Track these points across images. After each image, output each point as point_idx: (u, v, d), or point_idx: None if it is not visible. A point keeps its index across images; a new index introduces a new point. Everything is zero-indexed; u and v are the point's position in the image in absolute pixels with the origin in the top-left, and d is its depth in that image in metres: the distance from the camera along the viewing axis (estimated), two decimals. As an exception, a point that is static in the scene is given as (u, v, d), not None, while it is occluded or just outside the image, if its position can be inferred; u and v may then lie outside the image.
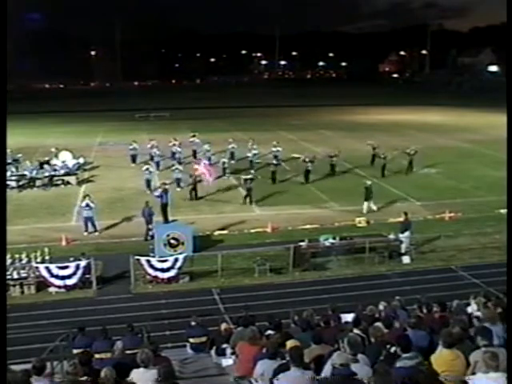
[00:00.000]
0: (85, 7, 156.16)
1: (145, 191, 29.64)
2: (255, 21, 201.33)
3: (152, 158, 36.82)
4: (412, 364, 7.05)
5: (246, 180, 29.08)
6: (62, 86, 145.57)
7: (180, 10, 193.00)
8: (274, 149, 37.66)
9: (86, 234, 23.91)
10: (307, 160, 33.18)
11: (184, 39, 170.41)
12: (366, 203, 26.84)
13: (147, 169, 31.77)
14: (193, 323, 12.53)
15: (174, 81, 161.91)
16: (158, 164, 36.19)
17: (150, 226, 23.13)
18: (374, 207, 27.05)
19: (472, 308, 11.60)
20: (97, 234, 23.97)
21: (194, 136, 41.34)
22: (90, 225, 24.08)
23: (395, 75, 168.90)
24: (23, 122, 63.95)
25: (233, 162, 37.29)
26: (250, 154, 36.51)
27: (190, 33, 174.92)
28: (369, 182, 27.36)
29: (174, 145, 38.49)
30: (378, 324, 9.17)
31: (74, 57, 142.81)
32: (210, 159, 35.04)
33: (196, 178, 29.32)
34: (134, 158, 38.17)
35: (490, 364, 6.35)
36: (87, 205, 23.95)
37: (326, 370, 6.94)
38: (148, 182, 31.06)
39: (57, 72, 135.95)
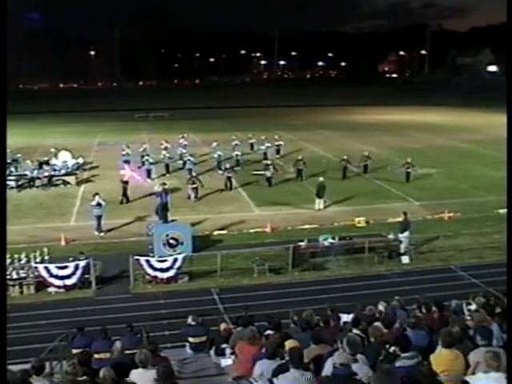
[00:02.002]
0: (84, 7, 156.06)
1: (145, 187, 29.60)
2: (254, 21, 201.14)
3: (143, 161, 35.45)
4: (411, 364, 7.05)
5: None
6: (61, 85, 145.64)
7: (179, 9, 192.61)
8: (276, 142, 41.19)
9: (102, 234, 23.81)
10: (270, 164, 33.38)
11: (183, 39, 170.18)
12: (317, 200, 27.42)
13: (147, 160, 33.79)
14: (192, 322, 12.51)
15: (176, 81, 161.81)
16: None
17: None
18: (322, 206, 27.39)
19: (471, 308, 11.59)
20: (102, 234, 23.86)
21: (183, 137, 41.37)
22: (98, 223, 23.96)
23: (394, 75, 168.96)
24: (22, 122, 63.89)
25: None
26: (263, 147, 39.62)
27: (190, 33, 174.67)
28: (321, 179, 27.76)
29: (166, 148, 37.80)
30: (378, 324, 9.17)
31: (73, 57, 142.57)
32: (218, 159, 36.27)
33: (125, 183, 28.87)
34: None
35: (491, 364, 6.35)
36: (98, 203, 23.85)
37: (326, 370, 6.94)
38: (148, 172, 33.30)
39: (56, 72, 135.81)
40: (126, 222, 25.41)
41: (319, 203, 27.52)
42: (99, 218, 23.98)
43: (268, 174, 32.05)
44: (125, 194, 28.67)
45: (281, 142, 41.59)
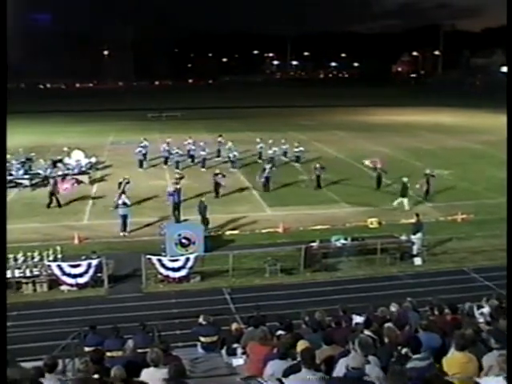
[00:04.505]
0: (98, 7, 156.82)
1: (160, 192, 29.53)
2: (267, 21, 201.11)
3: (167, 158, 37.89)
4: (423, 365, 7.01)
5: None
6: (77, 85, 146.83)
7: (192, 10, 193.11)
8: (295, 149, 38.66)
9: (122, 234, 23.77)
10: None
11: (196, 39, 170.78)
12: (400, 199, 27.34)
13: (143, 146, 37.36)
14: (204, 322, 12.55)
15: (190, 80, 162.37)
16: (175, 163, 37.08)
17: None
18: (407, 206, 27.20)
19: (484, 311, 11.52)
20: (122, 234, 23.84)
21: (220, 136, 41.47)
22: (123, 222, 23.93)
23: (408, 76, 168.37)
24: (36, 121, 64.57)
25: (260, 161, 38.34)
26: (270, 152, 37.73)
27: (203, 33, 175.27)
28: (405, 179, 27.63)
29: (189, 143, 38.90)
30: (391, 325, 9.12)
31: (87, 56, 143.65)
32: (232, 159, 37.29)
33: (55, 188, 28.50)
34: (143, 159, 37.91)
35: (504, 367, 6.30)
36: (124, 203, 23.82)
37: (338, 371, 6.92)
38: (140, 162, 37.04)
39: (70, 71, 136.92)
40: (137, 220, 25.49)
41: (405, 203, 27.31)
42: (125, 217, 23.92)
43: (222, 182, 29.83)
44: (53, 194, 28.19)
45: (301, 148, 38.82)
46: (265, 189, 31.01)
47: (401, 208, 27.07)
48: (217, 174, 29.84)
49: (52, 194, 28.07)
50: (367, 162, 34.34)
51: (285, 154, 39.54)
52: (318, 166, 32.30)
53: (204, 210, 24.27)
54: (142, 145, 38.44)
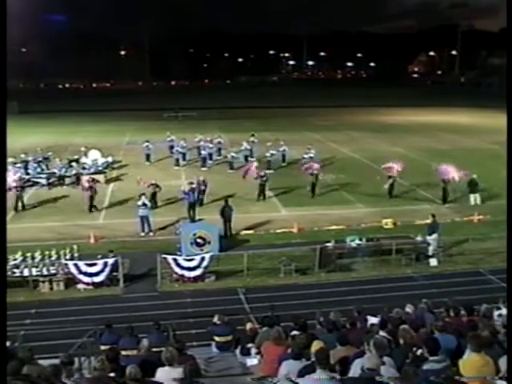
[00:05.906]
0: (113, 7, 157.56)
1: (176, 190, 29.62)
2: (282, 21, 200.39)
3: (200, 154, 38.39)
4: (439, 367, 6.97)
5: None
6: (92, 85, 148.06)
7: (207, 10, 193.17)
8: (305, 154, 36.02)
9: (142, 234, 23.78)
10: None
11: (212, 39, 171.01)
12: (471, 196, 28.20)
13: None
14: (218, 322, 12.60)
15: (206, 80, 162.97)
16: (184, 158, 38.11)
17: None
18: (478, 201, 27.99)
19: (502, 313, 11.43)
20: (151, 234, 23.85)
21: (253, 135, 41.21)
22: (145, 224, 23.93)
23: (424, 76, 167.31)
24: (55, 121, 65.09)
25: (284, 164, 37.56)
26: (268, 154, 36.64)
27: (218, 33, 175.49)
28: (474, 176, 28.43)
29: (220, 142, 39.39)
30: (406, 326, 9.09)
31: (103, 57, 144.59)
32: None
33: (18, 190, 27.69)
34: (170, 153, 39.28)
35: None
36: (144, 203, 23.81)
37: (353, 372, 6.92)
38: (148, 158, 38.68)
39: (87, 72, 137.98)
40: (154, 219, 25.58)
41: (475, 199, 28.11)
42: (144, 218, 23.90)
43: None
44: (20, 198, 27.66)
45: (312, 152, 36.02)
46: (258, 197, 29.23)
47: (474, 203, 27.96)
48: (203, 181, 28.05)
49: (18, 197, 27.42)
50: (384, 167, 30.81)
51: (311, 158, 36.41)
52: (316, 172, 30.12)
53: (230, 212, 23.90)
54: (168, 139, 40.57)
